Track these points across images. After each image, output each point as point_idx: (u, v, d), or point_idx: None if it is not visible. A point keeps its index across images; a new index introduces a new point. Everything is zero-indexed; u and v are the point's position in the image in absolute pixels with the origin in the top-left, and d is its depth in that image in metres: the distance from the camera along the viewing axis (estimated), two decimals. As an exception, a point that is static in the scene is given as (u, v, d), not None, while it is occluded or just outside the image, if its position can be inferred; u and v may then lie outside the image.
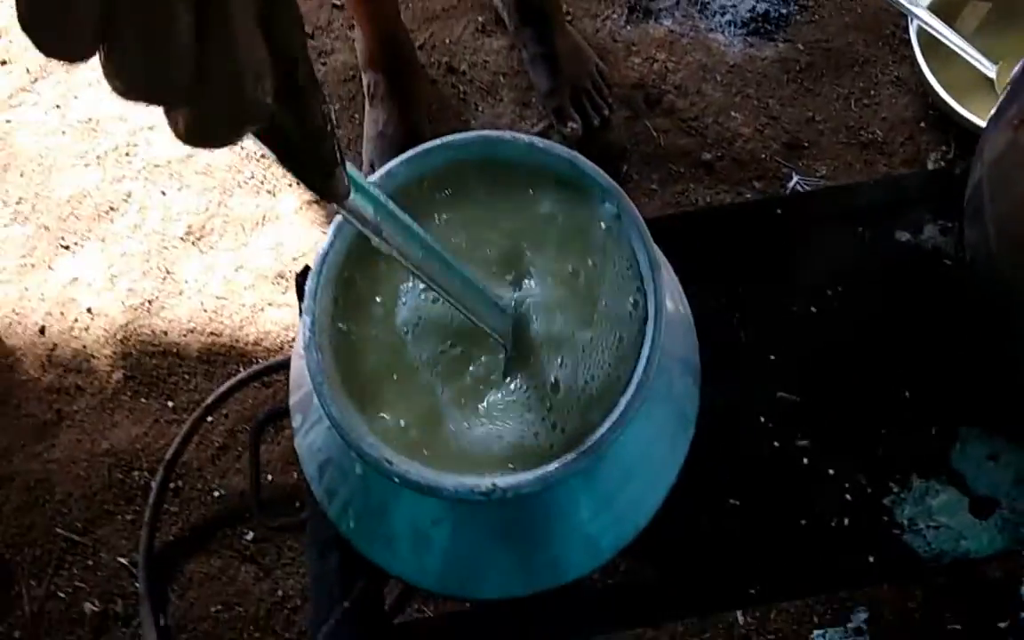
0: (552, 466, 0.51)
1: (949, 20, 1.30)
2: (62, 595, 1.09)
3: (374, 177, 0.61)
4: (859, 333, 0.83)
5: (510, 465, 0.54)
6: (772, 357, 0.82)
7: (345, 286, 0.60)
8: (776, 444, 0.78)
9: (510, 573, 0.57)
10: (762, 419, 0.79)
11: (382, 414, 0.56)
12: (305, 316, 0.56)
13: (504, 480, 0.51)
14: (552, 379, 0.57)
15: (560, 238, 0.60)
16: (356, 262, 0.61)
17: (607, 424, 0.52)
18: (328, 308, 0.58)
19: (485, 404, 0.56)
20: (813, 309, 0.84)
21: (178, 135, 0.30)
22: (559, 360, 0.57)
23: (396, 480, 0.51)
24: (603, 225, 0.59)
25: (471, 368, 0.57)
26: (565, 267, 0.59)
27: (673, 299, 0.61)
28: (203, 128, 0.30)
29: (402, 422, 0.55)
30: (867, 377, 0.81)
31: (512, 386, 0.57)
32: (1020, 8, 1.35)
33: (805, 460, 0.78)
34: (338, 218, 0.60)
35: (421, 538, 0.57)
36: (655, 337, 0.54)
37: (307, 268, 0.91)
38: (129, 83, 0.28)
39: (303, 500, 1.12)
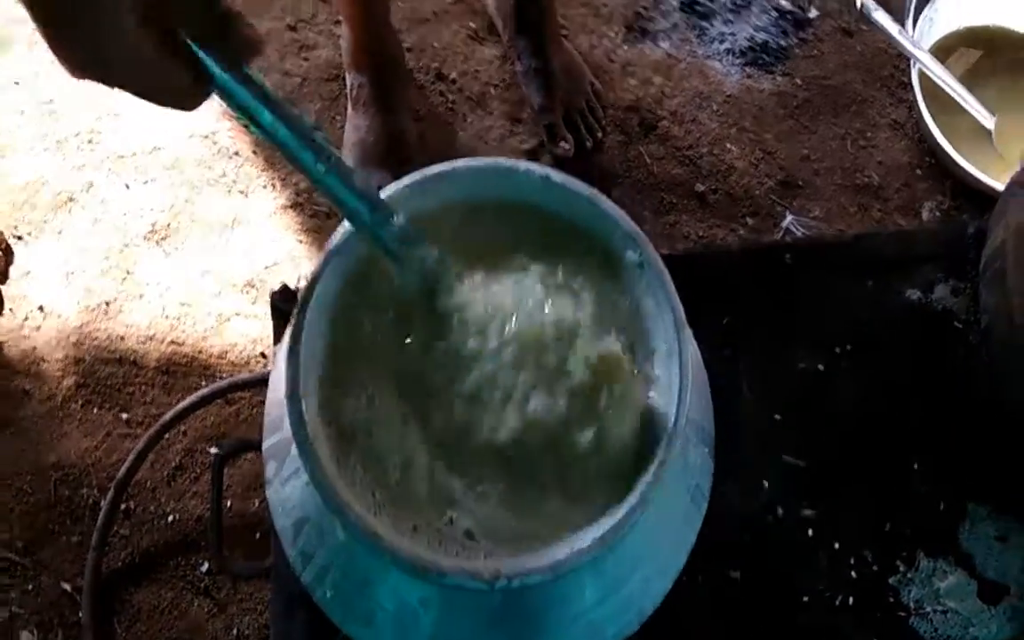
0: (561, 553, 0.45)
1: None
2: (-5, 620, 1.01)
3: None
4: (867, 396, 0.79)
5: (496, 534, 0.49)
6: (777, 417, 0.78)
7: (331, 326, 0.54)
8: (780, 512, 0.74)
9: (504, 661, 0.52)
10: (765, 484, 0.75)
11: (363, 467, 0.50)
12: (289, 359, 0.50)
13: (510, 567, 0.45)
14: (555, 446, 0.51)
15: (573, 286, 0.54)
16: (344, 300, 0.55)
17: (625, 507, 0.46)
18: (315, 351, 0.52)
19: (480, 464, 0.51)
20: (820, 367, 0.80)
21: None
22: (568, 419, 0.52)
23: (388, 559, 0.45)
24: (623, 273, 0.54)
25: (461, 420, 0.51)
26: (578, 320, 0.53)
27: (694, 360, 0.56)
28: None
29: (387, 478, 0.50)
30: (875, 444, 0.77)
31: (509, 443, 0.51)
32: (1009, 56, 1.34)
33: (809, 531, 0.74)
34: (328, 249, 0.54)
35: (407, 618, 0.51)
36: (679, 410, 0.48)
37: (285, 287, 0.85)
38: None
39: (264, 531, 1.05)
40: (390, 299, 0.54)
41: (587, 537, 0.46)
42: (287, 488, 0.55)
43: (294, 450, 0.55)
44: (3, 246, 1.17)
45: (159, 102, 0.43)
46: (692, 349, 0.57)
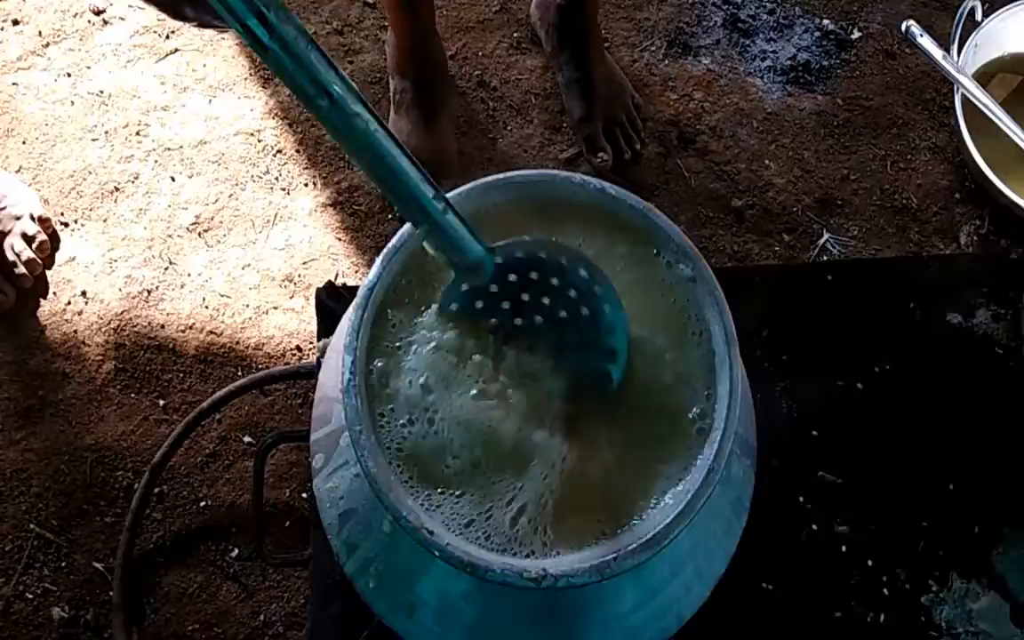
0: (609, 556, 0.46)
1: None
2: (30, 596, 1.03)
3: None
4: (905, 416, 0.79)
5: (543, 535, 0.49)
6: (814, 433, 0.78)
7: (383, 323, 0.55)
8: (814, 527, 0.74)
9: (542, 659, 0.52)
10: (801, 499, 0.75)
11: (414, 462, 0.51)
12: (346, 355, 0.51)
13: (556, 566, 0.46)
14: (604, 445, 0.52)
15: (624, 295, 0.55)
16: (395, 298, 0.56)
17: (673, 513, 0.47)
18: (366, 347, 0.53)
19: (523, 462, 0.51)
20: (859, 385, 0.80)
21: None
22: (611, 424, 0.52)
23: (436, 554, 0.46)
24: (672, 287, 0.54)
25: (508, 421, 0.52)
26: (629, 330, 0.54)
27: (741, 374, 0.56)
28: None
29: (437, 473, 0.51)
30: (911, 463, 0.77)
31: (557, 447, 0.52)
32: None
33: (843, 547, 0.74)
34: (387, 251, 0.55)
35: (448, 610, 0.52)
36: (728, 423, 0.49)
37: (331, 284, 0.86)
38: None
39: (294, 520, 1.06)
40: (446, 305, 0.55)
41: (632, 541, 0.47)
42: (334, 479, 0.56)
43: (343, 443, 0.56)
44: (49, 231, 1.20)
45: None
46: (740, 364, 0.57)
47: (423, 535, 0.46)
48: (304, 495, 1.07)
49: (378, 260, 0.54)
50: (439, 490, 0.50)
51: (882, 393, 0.80)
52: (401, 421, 0.52)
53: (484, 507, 0.49)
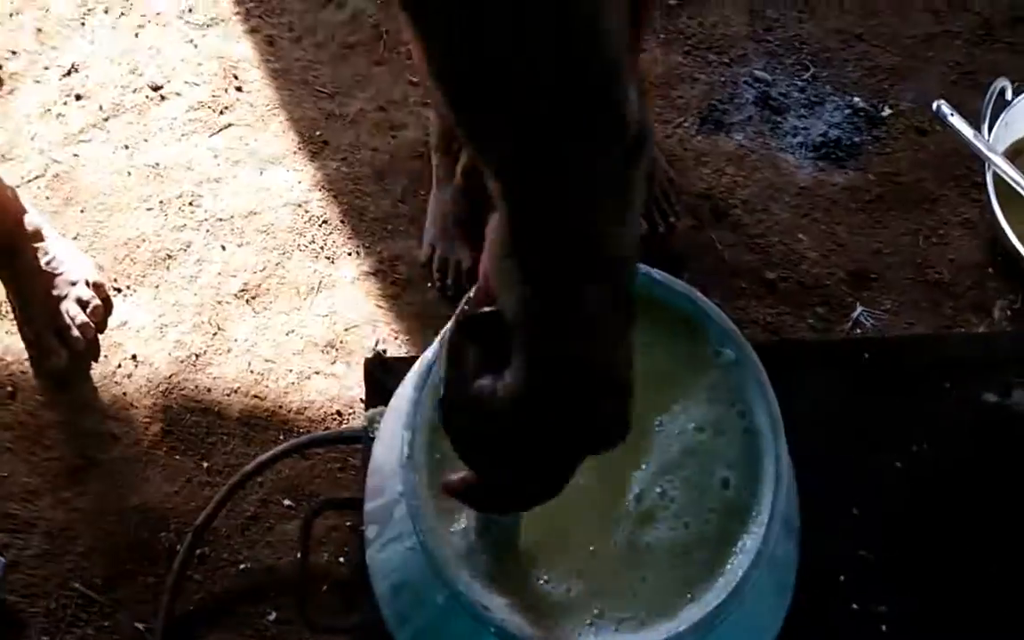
0: (659, 637, 0.47)
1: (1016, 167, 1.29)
2: (73, 655, 1.05)
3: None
4: (944, 496, 0.80)
5: (596, 616, 0.50)
6: (855, 511, 0.78)
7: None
8: (855, 607, 0.74)
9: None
10: (841, 578, 0.75)
11: (470, 539, 0.53)
12: (405, 432, 0.53)
13: (607, 645, 0.47)
14: (649, 536, 0.53)
15: (669, 381, 0.57)
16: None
17: (720, 597, 0.48)
18: (427, 422, 0.55)
19: (576, 550, 0.53)
20: (898, 464, 0.81)
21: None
22: (659, 512, 0.54)
23: (492, 631, 0.47)
24: (716, 369, 0.56)
25: (573, 506, 0.54)
26: (671, 412, 0.56)
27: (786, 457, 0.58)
28: None
29: (492, 552, 0.52)
30: (952, 543, 0.77)
31: (606, 536, 0.53)
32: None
33: (883, 627, 0.74)
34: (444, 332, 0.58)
35: (499, 684, 0.53)
36: (775, 506, 0.50)
37: (379, 355, 0.89)
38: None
39: (332, 584, 1.08)
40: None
41: (683, 623, 0.48)
42: (388, 551, 0.58)
43: (397, 514, 0.58)
44: (103, 297, 1.24)
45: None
46: (785, 448, 0.59)
47: (478, 610, 0.48)
48: (342, 560, 1.09)
49: (437, 339, 0.56)
50: (495, 564, 0.51)
51: (921, 471, 0.80)
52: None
53: (540, 586, 0.51)
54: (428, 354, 0.56)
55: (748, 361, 0.54)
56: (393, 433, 0.57)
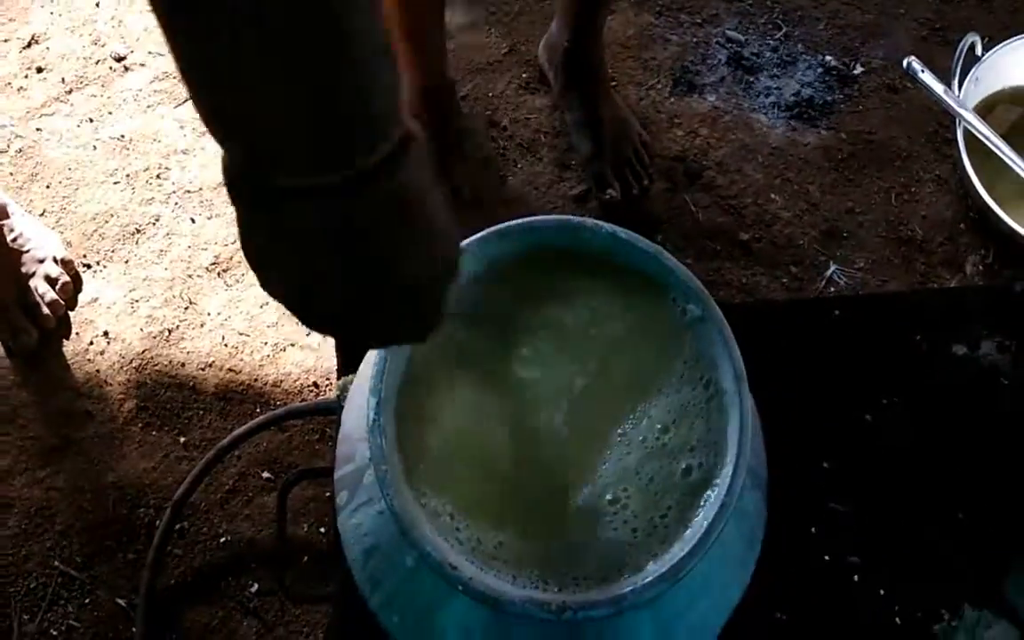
0: (627, 588, 0.48)
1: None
2: (54, 633, 1.04)
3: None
4: (913, 447, 0.81)
5: (561, 573, 0.51)
6: (825, 465, 0.79)
7: (408, 364, 0.58)
8: (826, 558, 0.75)
9: (562, 691, 0.54)
10: (813, 529, 0.76)
11: (437, 500, 0.53)
12: (371, 397, 0.53)
13: (575, 599, 0.48)
14: (619, 485, 0.54)
15: (634, 335, 0.57)
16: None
17: (688, 546, 0.49)
18: (394, 387, 0.55)
19: (547, 504, 0.53)
20: (868, 417, 0.82)
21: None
22: (626, 465, 0.54)
23: (460, 588, 0.48)
24: (681, 326, 0.57)
25: (538, 460, 0.54)
26: (637, 366, 0.56)
27: (752, 410, 0.58)
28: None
29: (459, 510, 0.52)
30: (921, 493, 0.79)
31: (576, 488, 0.54)
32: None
33: (855, 577, 0.75)
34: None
35: (471, 643, 0.53)
36: (740, 457, 0.51)
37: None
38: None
39: (312, 555, 1.08)
40: (465, 341, 0.57)
41: (649, 575, 0.48)
42: (358, 516, 0.58)
43: (367, 479, 0.58)
44: (72, 273, 1.23)
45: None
46: (750, 401, 0.59)
47: (447, 569, 0.48)
48: (322, 530, 1.09)
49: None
50: (462, 524, 0.51)
51: (890, 424, 0.81)
52: (425, 458, 0.53)
53: (507, 542, 0.51)
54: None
55: (712, 317, 0.55)
56: (361, 399, 0.57)
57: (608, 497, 0.52)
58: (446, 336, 0.53)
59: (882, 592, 0.74)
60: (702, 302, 0.55)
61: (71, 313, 1.23)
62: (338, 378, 0.85)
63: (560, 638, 0.52)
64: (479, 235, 0.58)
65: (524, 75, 1.43)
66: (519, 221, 0.58)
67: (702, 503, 0.51)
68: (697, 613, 0.54)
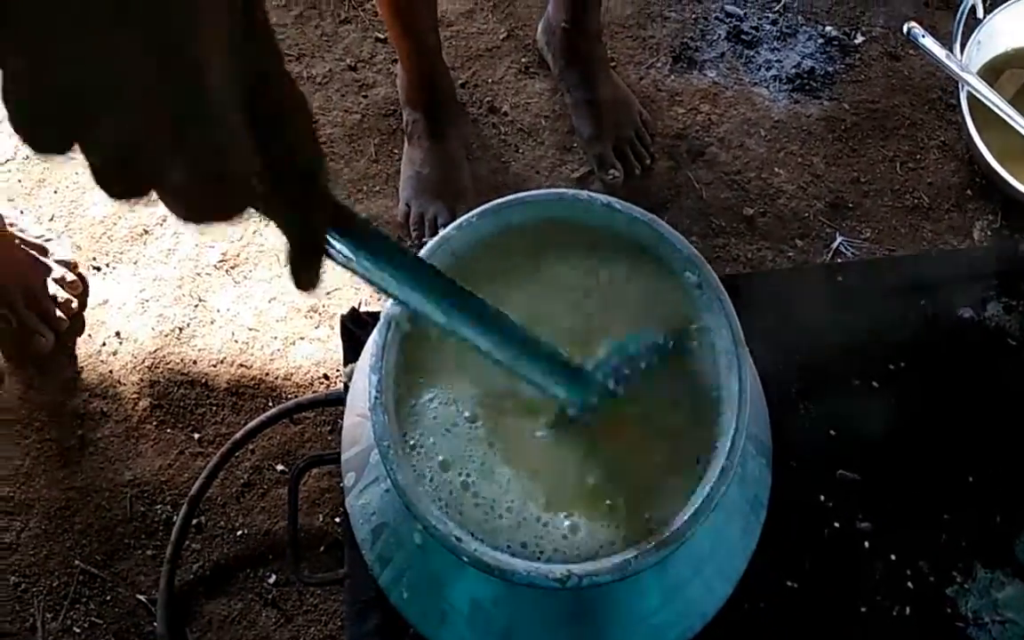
0: (630, 554, 0.48)
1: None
2: (77, 630, 1.06)
3: (444, 232, 0.58)
4: (921, 411, 0.80)
5: (569, 539, 0.51)
6: (832, 432, 0.79)
7: (409, 342, 0.58)
8: (836, 525, 0.75)
9: (571, 659, 0.54)
10: (822, 498, 0.77)
11: (442, 474, 0.54)
12: (372, 375, 0.53)
13: (580, 567, 0.48)
14: (619, 452, 0.54)
15: (633, 305, 0.57)
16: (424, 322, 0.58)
17: (690, 510, 0.49)
18: (393, 366, 0.55)
19: (549, 474, 0.54)
20: (875, 383, 0.82)
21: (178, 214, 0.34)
22: (627, 431, 0.55)
23: (465, 560, 0.48)
24: (681, 294, 0.57)
25: (537, 434, 0.54)
26: (636, 336, 0.57)
27: (751, 374, 0.58)
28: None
29: (463, 484, 0.53)
30: (930, 458, 0.78)
31: (578, 458, 0.54)
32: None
33: (866, 543, 0.75)
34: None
35: (479, 616, 0.54)
36: (739, 420, 0.51)
37: (354, 311, 0.89)
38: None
39: (328, 545, 1.09)
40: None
41: (652, 540, 0.49)
42: (366, 495, 0.59)
43: (373, 459, 0.59)
44: (78, 273, 1.24)
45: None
46: (749, 366, 0.59)
47: (452, 542, 0.49)
48: (337, 520, 1.10)
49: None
50: (465, 499, 0.52)
51: (898, 390, 0.81)
52: (427, 435, 0.54)
53: (511, 513, 0.52)
54: (390, 303, 0.56)
55: (709, 284, 0.55)
56: (363, 381, 0.57)
57: (610, 454, 0.52)
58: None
59: (893, 557, 0.74)
60: (698, 269, 0.55)
61: (84, 315, 1.24)
62: (345, 366, 0.86)
63: (568, 606, 0.52)
64: (477, 210, 0.58)
65: (523, 60, 1.43)
66: (514, 196, 0.58)
67: (703, 466, 0.51)
68: (703, 579, 0.54)
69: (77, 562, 1.09)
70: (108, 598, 1.08)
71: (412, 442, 0.53)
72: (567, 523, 0.51)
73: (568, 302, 0.57)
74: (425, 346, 0.58)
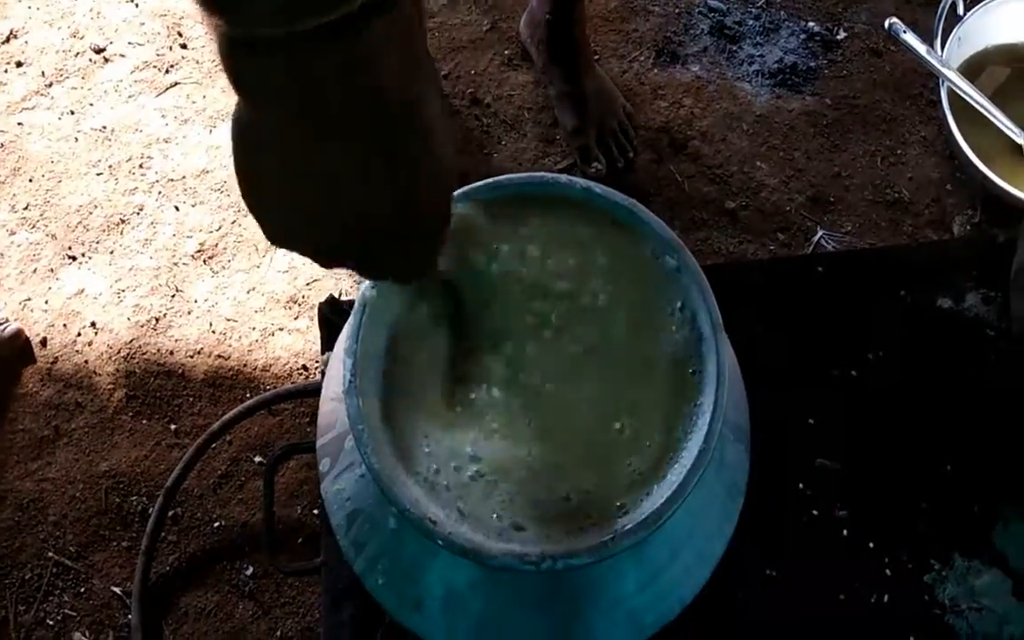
0: (607, 536, 0.48)
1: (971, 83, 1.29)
2: (51, 622, 1.04)
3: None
4: (900, 401, 0.81)
5: (546, 522, 0.51)
6: (811, 421, 0.79)
7: (385, 327, 0.57)
8: (815, 513, 0.75)
9: (547, 645, 0.54)
10: (801, 486, 0.76)
11: (417, 461, 0.53)
12: (347, 359, 0.53)
13: (555, 549, 0.47)
14: (595, 437, 0.54)
15: (613, 289, 0.57)
16: (395, 305, 0.58)
17: (666, 493, 0.49)
18: (368, 350, 0.55)
19: (524, 456, 0.53)
20: (853, 373, 0.82)
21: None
22: (603, 416, 0.54)
23: (440, 543, 0.48)
24: (660, 278, 0.56)
25: (513, 421, 0.54)
26: (618, 320, 0.56)
27: (730, 359, 0.58)
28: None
29: (436, 470, 0.52)
30: (908, 447, 0.79)
31: (553, 439, 0.54)
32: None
33: (844, 531, 0.75)
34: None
35: (455, 601, 0.53)
36: (717, 403, 0.51)
37: (332, 298, 0.88)
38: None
39: (306, 536, 1.08)
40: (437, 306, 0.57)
41: (629, 522, 0.48)
42: (340, 481, 0.58)
43: (347, 444, 0.58)
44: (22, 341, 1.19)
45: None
46: (728, 350, 0.59)
47: (427, 525, 0.48)
48: (315, 511, 1.09)
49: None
50: (441, 483, 0.51)
51: (877, 379, 0.81)
52: (402, 418, 0.53)
53: (486, 498, 0.51)
54: (365, 286, 0.55)
55: (688, 267, 0.55)
56: (338, 365, 0.56)
57: (586, 437, 0.51)
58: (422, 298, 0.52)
59: (871, 545, 0.74)
60: (677, 253, 0.55)
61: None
62: (322, 354, 0.85)
63: (544, 588, 0.52)
64: (455, 194, 0.58)
65: (507, 52, 1.42)
66: (492, 180, 0.58)
67: (680, 451, 0.51)
68: (681, 564, 0.54)
69: (51, 554, 1.08)
70: (82, 590, 1.06)
71: (389, 426, 0.53)
72: (543, 505, 0.50)
73: (550, 286, 0.57)
74: (400, 329, 0.57)
